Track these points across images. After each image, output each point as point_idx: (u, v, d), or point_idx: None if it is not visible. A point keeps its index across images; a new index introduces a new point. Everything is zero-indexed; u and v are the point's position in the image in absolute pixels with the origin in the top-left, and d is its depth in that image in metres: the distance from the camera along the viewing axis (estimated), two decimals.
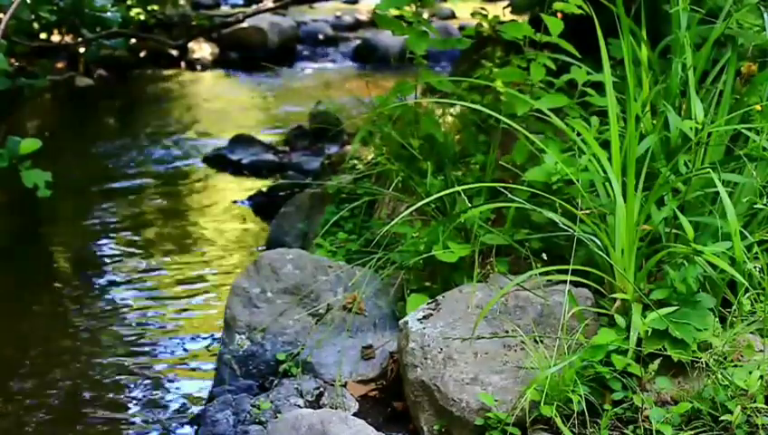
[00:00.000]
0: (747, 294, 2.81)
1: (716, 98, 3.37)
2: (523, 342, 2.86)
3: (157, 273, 5.15)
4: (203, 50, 10.85)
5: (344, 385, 3.23)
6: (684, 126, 3.16)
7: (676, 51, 3.44)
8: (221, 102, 9.27)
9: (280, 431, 2.73)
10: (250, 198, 6.26)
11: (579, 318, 2.86)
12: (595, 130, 3.32)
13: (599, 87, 3.56)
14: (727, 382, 2.65)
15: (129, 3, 9.99)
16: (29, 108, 8.48)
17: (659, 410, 2.66)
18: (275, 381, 3.31)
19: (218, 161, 7.11)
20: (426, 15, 4.43)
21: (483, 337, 2.91)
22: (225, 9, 12.89)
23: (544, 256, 3.22)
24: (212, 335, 4.35)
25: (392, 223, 3.33)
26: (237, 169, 6.95)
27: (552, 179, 3.25)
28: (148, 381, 4.00)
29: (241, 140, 7.32)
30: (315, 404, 3.17)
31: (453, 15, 12.63)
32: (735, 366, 2.69)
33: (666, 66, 3.53)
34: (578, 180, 3.10)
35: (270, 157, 7.07)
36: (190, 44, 10.63)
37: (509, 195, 3.10)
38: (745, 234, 2.92)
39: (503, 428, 2.71)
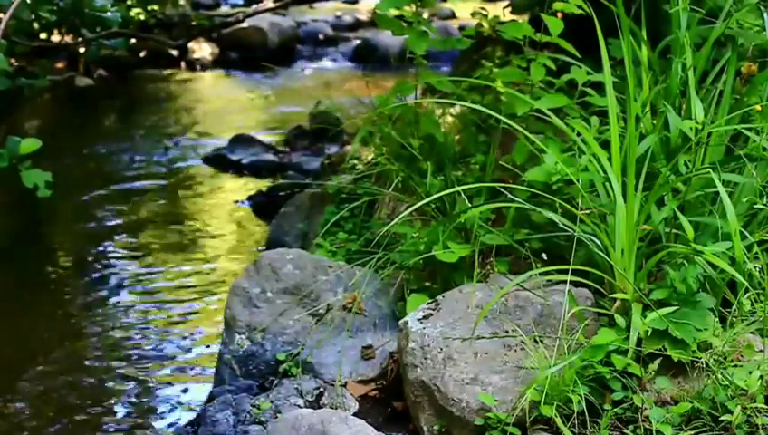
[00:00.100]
0: (747, 294, 2.81)
1: (716, 98, 3.37)
2: (523, 342, 2.86)
3: (156, 273, 5.15)
4: (203, 50, 10.85)
5: (344, 385, 3.23)
6: (684, 126, 3.16)
7: (676, 51, 3.44)
8: (221, 102, 9.27)
9: (280, 431, 2.73)
10: (250, 198, 6.26)
11: (579, 318, 2.86)
12: (595, 130, 3.32)
13: (599, 87, 3.56)
14: (727, 382, 2.65)
15: (129, 3, 10.00)
16: (29, 108, 8.48)
17: (659, 410, 2.66)
18: (275, 381, 3.31)
19: (218, 161, 7.11)
20: (426, 15, 4.42)
21: (483, 337, 2.91)
22: (225, 9, 12.89)
23: (544, 256, 3.22)
24: (212, 335, 4.35)
25: (392, 223, 3.33)
26: (237, 169, 6.95)
27: (552, 179, 3.25)
28: (148, 381, 4.00)
29: (241, 140, 7.32)
30: (315, 404, 3.17)
31: (453, 15, 12.63)
32: (735, 366, 2.69)
33: (666, 66, 3.53)
34: (578, 180, 3.10)
35: (270, 157, 7.07)
36: (190, 44, 10.63)
37: (509, 195, 3.10)
38: (745, 234, 2.92)
39: (503, 428, 2.71)
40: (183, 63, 10.66)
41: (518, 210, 3.30)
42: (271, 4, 11.02)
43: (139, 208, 6.23)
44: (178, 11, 11.23)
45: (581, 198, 3.08)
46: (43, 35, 8.99)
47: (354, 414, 3.03)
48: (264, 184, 6.47)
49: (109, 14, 8.08)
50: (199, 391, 3.87)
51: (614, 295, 2.90)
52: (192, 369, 4.12)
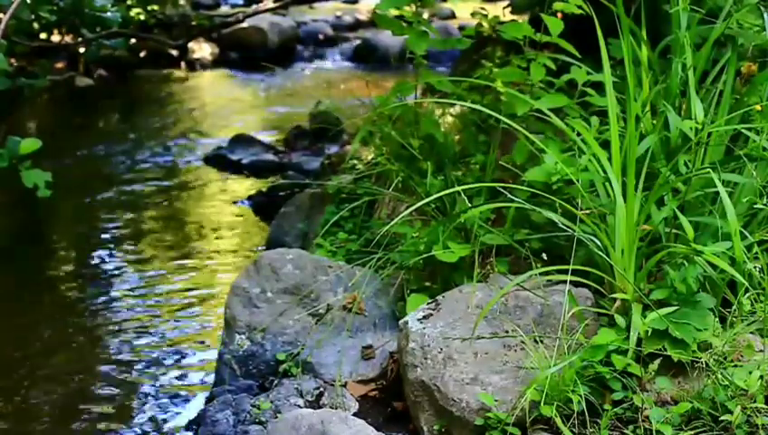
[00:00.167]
0: (747, 294, 2.81)
1: (716, 98, 3.37)
2: (523, 342, 2.86)
3: (156, 273, 5.15)
4: (203, 50, 10.85)
5: (344, 385, 3.23)
6: (684, 126, 3.16)
7: (676, 51, 3.44)
8: (221, 102, 9.27)
9: (280, 431, 2.73)
10: (250, 198, 6.26)
11: (579, 318, 2.86)
12: (595, 130, 3.32)
13: (599, 87, 3.56)
14: (727, 382, 2.65)
15: (129, 3, 10.00)
16: (29, 108, 8.48)
17: (659, 410, 2.66)
18: (275, 381, 3.31)
19: (218, 161, 7.11)
20: (426, 15, 4.42)
21: (483, 337, 2.91)
22: (225, 9, 12.89)
23: (544, 256, 3.22)
24: (212, 335, 4.35)
25: (392, 223, 3.33)
26: (237, 169, 6.95)
27: (552, 179, 3.25)
28: (147, 381, 4.00)
29: (241, 140, 7.32)
30: (315, 404, 3.17)
31: (453, 15, 12.62)
32: (735, 366, 2.69)
33: (666, 66, 3.53)
34: (578, 180, 3.10)
35: (270, 157, 7.07)
36: (190, 44, 10.63)
37: (509, 195, 3.10)
38: (745, 234, 2.92)
39: (503, 428, 2.71)
40: (183, 63, 10.66)
41: (518, 210, 3.30)
42: (271, 4, 11.02)
43: (138, 208, 6.23)
44: (178, 11, 11.23)
45: (581, 198, 3.08)
46: (43, 35, 8.99)
47: (354, 414, 3.03)
48: (264, 184, 6.47)
49: (109, 14, 8.08)
50: (199, 391, 3.87)
51: (614, 295, 2.90)
52: (192, 369, 4.12)
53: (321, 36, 11.83)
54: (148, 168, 7.10)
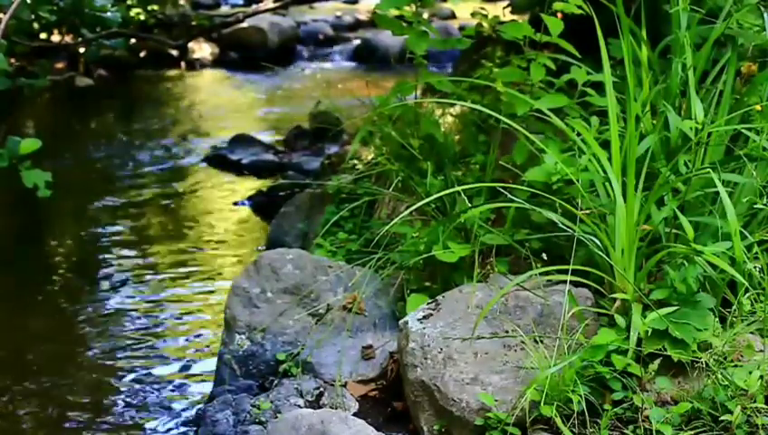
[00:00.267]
0: (747, 294, 2.81)
1: (716, 98, 3.37)
2: (523, 342, 2.86)
3: (156, 273, 5.15)
4: (203, 50, 10.85)
5: (344, 385, 3.23)
6: (684, 126, 3.16)
7: (676, 51, 3.44)
8: (221, 102, 9.27)
9: (280, 431, 2.73)
10: (250, 198, 6.26)
11: (579, 318, 2.86)
12: (595, 130, 3.32)
13: (599, 87, 3.56)
14: (727, 382, 2.65)
15: (129, 3, 9.99)
16: (29, 108, 8.48)
17: (659, 410, 2.66)
18: (275, 381, 3.31)
19: (218, 161, 7.11)
20: (426, 15, 4.42)
21: (483, 337, 2.91)
22: (225, 9, 12.89)
23: (544, 256, 3.22)
24: (212, 335, 4.35)
25: (392, 223, 3.33)
26: (237, 169, 6.95)
27: (552, 179, 3.25)
28: (147, 381, 4.00)
29: (241, 140, 7.32)
30: (315, 404, 3.17)
31: (453, 15, 12.62)
32: (735, 366, 2.69)
33: (666, 66, 3.53)
34: (578, 180, 3.10)
35: (270, 157, 7.07)
36: (190, 44, 10.63)
37: (509, 195, 3.10)
38: (745, 234, 2.92)
39: (503, 428, 2.71)
40: (183, 63, 10.66)
41: (518, 210, 3.30)
42: (271, 5, 11.01)
43: (138, 208, 6.23)
44: (178, 11, 11.23)
45: (581, 198, 3.08)
46: (43, 35, 8.99)
47: (354, 414, 3.03)
48: (264, 184, 6.47)
49: (109, 14, 8.08)
50: (199, 392, 3.87)
51: (614, 295, 2.90)
52: (192, 369, 4.12)
53: (321, 36, 11.83)
54: (148, 168, 7.10)
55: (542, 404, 2.64)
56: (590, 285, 3.00)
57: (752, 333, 2.80)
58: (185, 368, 4.13)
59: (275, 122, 8.38)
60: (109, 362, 4.17)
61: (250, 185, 6.59)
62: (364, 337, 3.40)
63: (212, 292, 4.88)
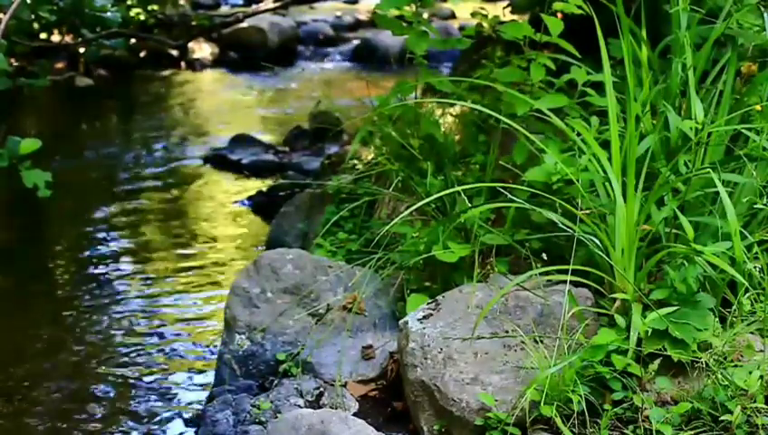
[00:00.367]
0: (747, 294, 2.81)
1: (716, 98, 3.37)
2: (523, 342, 2.86)
3: (156, 273, 5.15)
4: (203, 50, 10.85)
5: (344, 385, 3.23)
6: (684, 126, 3.16)
7: (676, 51, 3.44)
8: (221, 102, 9.27)
9: (280, 431, 2.73)
10: (250, 198, 6.26)
11: (579, 318, 2.86)
12: (595, 130, 3.32)
13: (599, 87, 3.56)
14: (727, 382, 2.65)
15: (129, 3, 9.99)
16: (29, 108, 8.48)
17: (659, 410, 2.66)
18: (275, 381, 3.31)
19: (218, 161, 7.10)
20: (426, 15, 4.42)
21: (483, 337, 2.91)
22: (225, 9, 12.88)
23: (544, 256, 3.22)
24: (212, 335, 4.35)
25: (392, 223, 3.33)
26: (237, 169, 6.95)
27: (552, 179, 3.25)
28: (148, 381, 4.00)
29: (241, 140, 7.32)
30: (315, 404, 3.17)
31: (453, 15, 12.62)
32: (735, 366, 2.69)
33: (666, 66, 3.53)
34: (578, 180, 3.10)
35: (270, 157, 7.07)
36: (190, 44, 10.62)
37: (509, 195, 3.10)
38: (745, 234, 2.92)
39: (503, 428, 2.71)
40: (183, 63, 10.66)
41: (518, 210, 3.30)
42: (271, 5, 11.01)
43: (138, 209, 6.23)
44: (178, 11, 11.23)
45: (581, 198, 3.08)
46: (43, 35, 8.99)
47: (354, 414, 3.03)
48: (264, 184, 6.47)
49: (109, 14, 8.08)
50: (199, 391, 3.87)
51: (614, 295, 2.90)
52: (192, 369, 4.12)
53: (321, 36, 11.82)
54: (148, 168, 7.10)
55: (542, 404, 2.64)
56: (590, 285, 3.00)
57: (752, 333, 2.80)
58: (185, 368, 4.13)
59: (275, 122, 8.38)
60: (108, 362, 4.17)
61: (250, 185, 6.59)
62: (364, 337, 3.40)
63: (212, 292, 4.88)
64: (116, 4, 8.64)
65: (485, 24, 4.29)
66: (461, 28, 7.57)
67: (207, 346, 4.29)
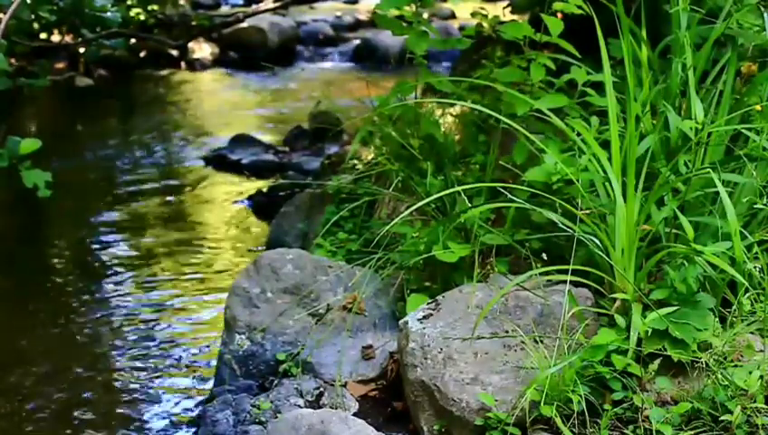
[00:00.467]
0: (747, 294, 2.81)
1: (716, 98, 3.37)
2: (523, 342, 2.86)
3: (156, 273, 5.15)
4: (203, 50, 10.85)
5: (344, 385, 3.23)
6: (684, 126, 3.16)
7: (676, 51, 3.44)
8: (221, 102, 9.27)
9: (280, 431, 2.73)
10: (250, 198, 6.26)
11: (579, 318, 2.86)
12: (595, 130, 3.32)
13: (599, 87, 3.56)
14: (727, 382, 2.65)
15: (129, 3, 10.00)
16: (29, 108, 8.48)
17: (659, 410, 2.66)
18: (275, 381, 3.31)
19: (218, 161, 7.11)
20: (426, 15, 4.42)
21: (483, 337, 2.91)
22: (225, 9, 12.89)
23: (544, 256, 3.22)
24: (212, 335, 4.35)
25: (392, 223, 3.33)
26: (237, 169, 6.95)
27: (552, 179, 3.25)
28: (148, 381, 4.00)
29: (241, 140, 7.32)
30: (315, 404, 3.17)
31: (453, 15, 12.62)
32: (735, 366, 2.69)
33: (666, 66, 3.53)
34: (578, 180, 3.10)
35: (270, 157, 7.07)
36: (190, 44, 10.63)
37: (509, 195, 3.10)
38: (745, 234, 2.92)
39: (503, 428, 2.71)
40: (183, 63, 10.66)
41: (518, 210, 3.30)
42: (271, 5, 11.01)
43: (138, 208, 6.23)
44: (178, 11, 11.24)
45: (581, 198, 3.08)
46: (43, 35, 8.99)
47: (354, 414, 3.03)
48: (264, 184, 6.47)
49: (109, 14, 8.08)
50: (199, 391, 3.87)
51: (614, 295, 2.90)
52: (192, 369, 4.12)
53: (321, 36, 11.83)
54: (148, 168, 7.10)
55: (542, 404, 2.64)
56: (590, 285, 3.00)
57: (752, 333, 2.80)
58: (185, 368, 4.13)
59: (275, 122, 8.38)
60: (108, 362, 4.17)
61: (250, 185, 6.59)
62: (364, 337, 3.40)
63: (212, 292, 4.88)
64: (116, 4, 8.64)
65: (485, 24, 4.29)
66: (461, 28, 7.57)
67: (207, 346, 4.29)
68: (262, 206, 6.07)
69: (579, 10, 3.55)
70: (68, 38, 8.95)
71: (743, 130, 3.20)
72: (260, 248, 5.22)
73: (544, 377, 2.66)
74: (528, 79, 3.73)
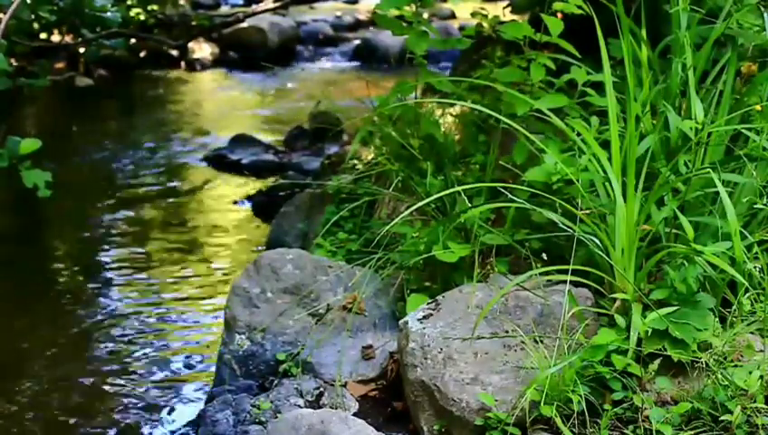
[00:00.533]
0: (747, 294, 2.81)
1: (716, 98, 3.37)
2: (523, 342, 2.86)
3: (156, 273, 5.15)
4: (203, 50, 10.86)
5: (344, 385, 3.23)
6: (684, 126, 3.16)
7: (676, 51, 3.44)
8: (221, 102, 9.27)
9: (280, 431, 2.73)
10: (250, 198, 6.26)
11: (579, 318, 2.86)
12: (595, 130, 3.32)
13: (599, 87, 3.56)
14: (727, 382, 2.65)
15: (129, 3, 10.00)
16: (29, 108, 8.48)
17: (659, 410, 2.66)
18: (275, 381, 3.31)
19: (218, 161, 7.11)
20: (426, 15, 4.42)
21: (483, 337, 2.91)
22: (225, 9, 12.90)
23: (544, 256, 3.22)
24: (212, 335, 4.35)
25: (392, 223, 3.33)
26: (237, 169, 6.96)
27: (552, 179, 3.25)
28: (148, 381, 4.00)
29: (241, 140, 7.33)
30: (315, 404, 3.17)
31: (453, 15, 12.63)
32: (735, 366, 2.69)
33: (666, 66, 3.53)
34: (578, 180, 3.10)
35: (270, 157, 7.07)
36: (190, 44, 10.63)
37: (509, 195, 3.10)
38: (745, 234, 2.92)
39: (503, 428, 2.71)
40: (183, 63, 10.67)
41: (518, 210, 3.30)
42: (271, 5, 11.02)
43: (138, 208, 6.23)
44: (178, 11, 11.24)
45: (581, 198, 3.08)
46: (43, 35, 9.00)
47: (354, 414, 3.03)
48: (264, 184, 6.47)
49: (109, 14, 8.08)
50: (199, 391, 3.87)
51: (614, 295, 2.90)
52: (192, 369, 4.12)
53: (321, 36, 11.83)
54: (148, 168, 7.10)
55: (542, 404, 2.64)
56: (590, 285, 3.00)
57: (752, 333, 2.80)
58: (185, 368, 4.13)
59: (275, 122, 8.38)
60: (109, 362, 4.17)
61: (250, 185, 6.59)
62: (364, 337, 3.40)
63: (212, 292, 4.88)
64: (116, 4, 8.65)
65: (485, 24, 4.29)
66: (461, 28, 7.57)
67: (207, 346, 4.29)
68: (262, 206, 6.07)
69: (579, 10, 3.55)
70: (68, 38, 8.96)
71: (743, 130, 3.20)
72: (260, 248, 5.22)
73: (544, 377, 2.66)
74: (528, 79, 3.73)
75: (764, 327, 2.77)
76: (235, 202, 6.28)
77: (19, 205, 5.91)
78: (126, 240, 5.66)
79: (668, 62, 3.49)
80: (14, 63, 7.99)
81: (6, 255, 5.39)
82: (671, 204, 3.02)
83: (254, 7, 11.51)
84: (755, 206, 3.05)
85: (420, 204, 3.08)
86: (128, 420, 3.71)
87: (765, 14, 3.44)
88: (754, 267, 2.82)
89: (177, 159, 7.32)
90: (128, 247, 5.54)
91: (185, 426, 3.62)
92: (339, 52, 11.47)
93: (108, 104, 9.28)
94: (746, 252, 2.84)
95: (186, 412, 3.73)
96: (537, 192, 3.13)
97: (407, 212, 3.06)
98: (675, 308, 2.77)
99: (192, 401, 3.82)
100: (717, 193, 2.88)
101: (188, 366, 4.14)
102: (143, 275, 5.11)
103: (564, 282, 2.85)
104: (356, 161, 4.54)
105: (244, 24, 10.84)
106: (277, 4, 10.99)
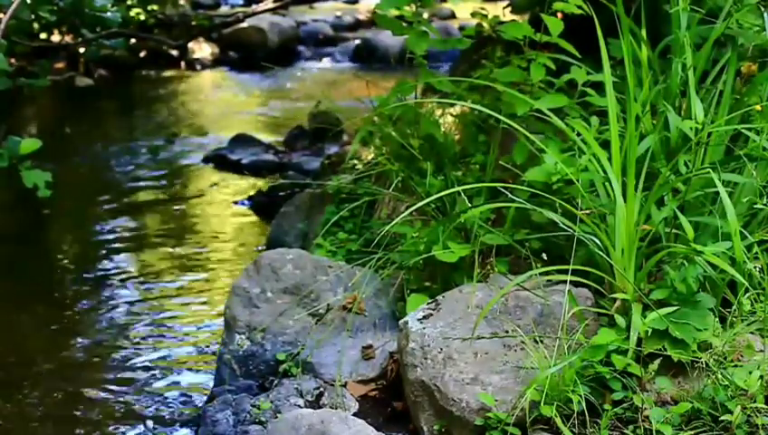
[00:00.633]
0: (747, 294, 2.81)
1: (716, 98, 3.37)
2: (523, 342, 2.86)
3: (156, 273, 5.15)
4: (203, 50, 10.86)
5: (344, 385, 3.23)
6: (684, 126, 3.16)
7: (676, 51, 3.44)
8: (221, 102, 9.27)
9: (280, 431, 2.73)
10: (250, 198, 6.26)
11: (579, 318, 2.86)
12: (595, 130, 3.32)
13: (599, 87, 3.56)
14: (727, 382, 2.65)
15: (129, 3, 10.00)
16: (29, 108, 8.48)
17: (659, 410, 2.66)
18: (275, 381, 3.31)
19: (218, 161, 7.11)
20: (426, 15, 4.42)
21: (483, 337, 2.91)
22: (225, 9, 12.90)
23: (544, 256, 3.22)
24: (212, 335, 4.35)
25: (392, 223, 3.33)
26: (237, 169, 6.95)
27: (552, 179, 3.25)
28: (147, 381, 3.99)
29: (241, 140, 7.33)
30: (315, 404, 3.17)
31: (453, 15, 12.62)
32: (735, 366, 2.69)
33: (666, 66, 3.53)
34: (578, 180, 3.10)
35: (270, 157, 7.07)
36: (190, 44, 10.63)
37: (509, 195, 3.10)
38: (745, 234, 2.92)
39: (503, 428, 2.71)
40: (183, 63, 10.67)
41: (518, 210, 3.30)
42: (271, 4, 11.01)
43: (138, 209, 6.23)
44: (178, 11, 11.24)
45: (581, 198, 3.08)
46: (43, 35, 8.99)
47: (354, 414, 3.03)
48: (264, 184, 6.47)
49: (109, 14, 8.07)
50: (199, 391, 3.87)
51: (614, 295, 2.90)
52: (192, 369, 4.12)
53: (321, 36, 11.83)
54: (148, 167, 7.10)
55: (542, 404, 2.64)
56: (590, 285, 3.00)
57: (752, 333, 2.80)
58: (185, 368, 4.13)
59: (275, 122, 8.38)
60: (109, 362, 4.17)
61: (250, 185, 6.59)
62: (364, 337, 3.40)
63: (212, 292, 4.88)
64: (116, 4, 8.64)
65: (485, 24, 4.29)
66: (461, 28, 7.56)
67: (207, 346, 4.29)
68: (262, 206, 6.07)
69: (579, 10, 3.55)
70: (68, 38, 8.96)
71: (743, 130, 3.20)
72: (260, 248, 5.21)
73: (544, 377, 2.66)
74: (528, 79, 3.73)
75: (764, 327, 2.77)
76: (235, 202, 6.27)
77: (19, 205, 5.91)
78: (125, 240, 5.65)
79: (668, 62, 3.49)
80: (14, 63, 7.99)
81: (6, 255, 5.39)
82: (671, 204, 3.02)
83: (254, 7, 11.51)
84: (755, 206, 3.05)
85: (420, 204, 3.08)
86: (127, 420, 3.71)
87: (765, 14, 3.44)
88: (754, 267, 2.82)
89: (177, 159, 7.32)
90: (127, 247, 5.54)
91: (185, 426, 3.62)
92: (339, 52, 11.46)
93: (108, 104, 9.28)
94: (746, 252, 2.84)
95: (186, 412, 3.73)
96: (537, 192, 3.13)
97: (407, 212, 3.06)
98: (675, 308, 2.77)
99: (192, 401, 3.82)
100: (717, 193, 2.88)
101: (188, 366, 4.14)
102: (142, 275, 5.11)
103: (564, 282, 2.85)
104: (356, 161, 4.54)
105: (244, 24, 10.84)
106: (277, 4, 10.99)
